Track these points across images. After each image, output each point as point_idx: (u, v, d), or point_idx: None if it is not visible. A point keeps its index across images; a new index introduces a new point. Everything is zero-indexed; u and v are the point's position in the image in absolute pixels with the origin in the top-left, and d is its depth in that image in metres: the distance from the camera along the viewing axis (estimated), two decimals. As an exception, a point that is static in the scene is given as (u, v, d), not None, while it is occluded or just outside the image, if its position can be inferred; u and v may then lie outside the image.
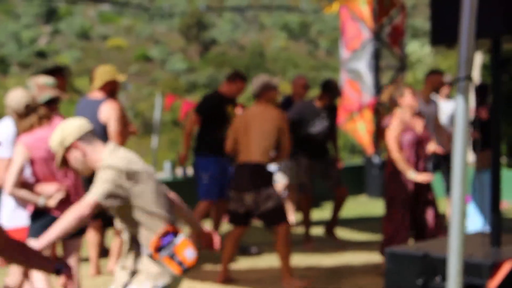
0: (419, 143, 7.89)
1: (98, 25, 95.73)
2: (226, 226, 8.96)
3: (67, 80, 7.51)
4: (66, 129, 4.33)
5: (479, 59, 16.78)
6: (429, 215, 7.94)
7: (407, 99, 7.82)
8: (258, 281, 7.83)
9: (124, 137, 7.65)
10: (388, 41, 14.64)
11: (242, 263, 8.70)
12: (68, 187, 5.54)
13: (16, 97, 5.49)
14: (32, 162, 5.44)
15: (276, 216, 7.48)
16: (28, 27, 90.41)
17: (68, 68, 8.08)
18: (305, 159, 9.56)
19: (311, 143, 9.52)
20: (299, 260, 8.78)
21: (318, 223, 10.70)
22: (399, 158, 7.66)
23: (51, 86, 5.71)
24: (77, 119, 4.48)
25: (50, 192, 5.44)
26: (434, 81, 9.59)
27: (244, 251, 9.16)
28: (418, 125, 7.91)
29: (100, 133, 7.30)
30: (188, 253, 4.19)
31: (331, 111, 9.65)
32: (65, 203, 5.47)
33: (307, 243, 9.63)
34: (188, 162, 9.84)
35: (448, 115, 10.25)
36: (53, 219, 5.41)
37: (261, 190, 7.42)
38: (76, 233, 5.61)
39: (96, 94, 7.74)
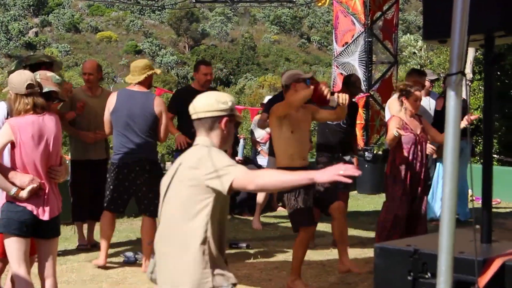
0: (417, 143, 8.06)
1: (88, 17, 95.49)
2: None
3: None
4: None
5: (471, 54, 16.80)
6: (422, 210, 8.12)
7: (410, 104, 8.01)
8: (247, 276, 7.81)
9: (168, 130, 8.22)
10: (380, 35, 14.62)
11: (232, 258, 8.67)
12: (44, 181, 5.42)
13: (19, 76, 5.42)
14: (13, 146, 5.33)
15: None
16: (17, 18, 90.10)
17: (58, 61, 8.07)
18: (324, 158, 9.31)
19: (330, 142, 9.23)
20: (288, 255, 8.77)
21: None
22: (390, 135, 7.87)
23: (57, 82, 5.64)
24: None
25: (23, 183, 5.32)
26: (421, 82, 9.48)
27: (234, 245, 9.14)
28: (417, 127, 8.06)
29: (149, 123, 7.86)
30: None
31: (351, 108, 9.00)
32: (37, 198, 5.38)
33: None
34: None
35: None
36: (21, 212, 5.35)
37: None
38: (52, 235, 5.55)
39: (139, 87, 8.00)
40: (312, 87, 7.14)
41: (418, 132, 8.04)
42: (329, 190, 7.44)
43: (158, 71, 8.25)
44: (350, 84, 9.23)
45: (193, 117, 4.23)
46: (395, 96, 8.62)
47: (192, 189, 3.93)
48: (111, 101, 8.05)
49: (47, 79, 5.56)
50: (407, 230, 8.02)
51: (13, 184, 5.29)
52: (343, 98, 7.29)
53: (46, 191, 5.41)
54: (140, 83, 8.00)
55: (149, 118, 7.90)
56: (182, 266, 3.94)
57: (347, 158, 9.41)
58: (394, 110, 8.75)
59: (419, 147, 8.07)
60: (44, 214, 5.38)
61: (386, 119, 10.91)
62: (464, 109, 10.78)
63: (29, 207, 5.33)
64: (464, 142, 11.05)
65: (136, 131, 7.91)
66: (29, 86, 5.36)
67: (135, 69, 8.02)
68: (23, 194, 5.29)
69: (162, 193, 4.12)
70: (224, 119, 4.13)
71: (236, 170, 3.84)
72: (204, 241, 3.92)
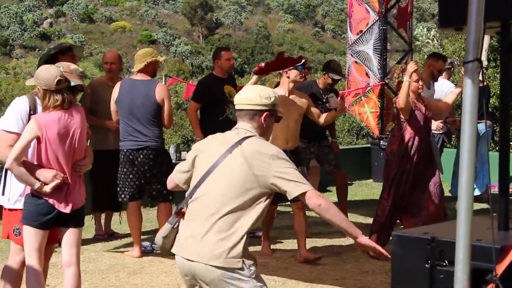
0: (427, 121, 8.15)
1: (102, 7, 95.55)
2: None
3: (76, 61, 7.57)
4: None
5: (486, 42, 16.72)
6: (429, 195, 8.05)
7: (412, 85, 7.96)
8: (264, 265, 7.84)
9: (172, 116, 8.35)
10: (394, 23, 14.57)
11: (248, 247, 8.69)
12: (67, 176, 5.46)
13: (48, 72, 5.41)
14: (38, 141, 5.36)
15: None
16: (31, 9, 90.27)
17: (80, 47, 8.16)
18: (301, 143, 9.39)
19: (310, 126, 9.21)
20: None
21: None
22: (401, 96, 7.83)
23: (80, 74, 5.65)
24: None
25: (46, 178, 5.36)
26: (436, 66, 9.46)
27: (250, 234, 9.15)
28: (421, 107, 8.11)
29: (151, 110, 7.99)
30: None
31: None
32: (60, 192, 5.42)
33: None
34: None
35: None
36: (42, 204, 5.39)
37: None
38: (75, 224, 5.58)
39: (142, 75, 8.12)
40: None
41: (425, 112, 8.09)
42: None
43: (161, 58, 8.31)
44: (330, 69, 9.46)
45: (236, 107, 4.39)
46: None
47: (256, 176, 4.16)
48: (115, 91, 8.21)
49: (71, 72, 5.54)
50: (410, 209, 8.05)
51: (37, 179, 5.34)
52: (342, 110, 8.24)
53: (70, 186, 5.45)
54: (141, 71, 8.10)
55: (151, 105, 8.00)
56: (223, 244, 4.18)
57: (325, 143, 9.71)
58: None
59: (425, 126, 8.12)
60: (66, 208, 5.42)
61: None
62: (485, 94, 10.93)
63: (51, 200, 5.38)
64: (485, 124, 11.15)
65: (139, 119, 8.00)
66: (59, 82, 5.36)
67: (136, 58, 8.18)
68: (47, 189, 5.34)
69: (204, 170, 4.27)
70: (265, 114, 4.31)
71: (308, 185, 4.17)
72: (251, 231, 4.29)
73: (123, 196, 8.20)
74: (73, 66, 5.66)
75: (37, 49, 76.06)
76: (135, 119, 8.00)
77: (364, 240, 4.06)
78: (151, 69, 8.18)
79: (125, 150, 8.12)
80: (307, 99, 8.20)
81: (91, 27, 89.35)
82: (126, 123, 8.08)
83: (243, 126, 4.31)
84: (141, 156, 8.03)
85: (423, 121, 8.05)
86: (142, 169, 8.05)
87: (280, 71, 7.99)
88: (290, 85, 7.95)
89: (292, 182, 4.12)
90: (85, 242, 8.94)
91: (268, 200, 4.23)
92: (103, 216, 9.30)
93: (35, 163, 5.39)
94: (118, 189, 8.20)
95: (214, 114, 8.87)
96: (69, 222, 5.52)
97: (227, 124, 8.12)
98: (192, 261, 4.17)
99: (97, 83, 9.26)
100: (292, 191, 4.12)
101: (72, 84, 5.49)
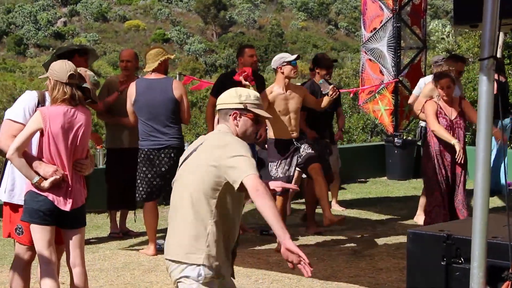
0: (452, 128, 8.18)
1: (115, 6, 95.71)
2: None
3: (88, 63, 7.61)
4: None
5: (500, 39, 16.66)
6: (460, 196, 8.20)
7: (441, 90, 8.20)
8: (278, 263, 7.84)
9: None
10: (408, 20, 14.52)
11: (262, 245, 8.71)
12: (67, 173, 5.46)
13: (63, 64, 5.46)
14: (42, 134, 5.38)
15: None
16: (45, 8, 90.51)
17: (92, 50, 8.20)
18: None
19: (312, 124, 9.27)
20: (317, 241, 8.80)
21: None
22: (439, 128, 8.09)
23: (93, 81, 5.68)
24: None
25: (46, 173, 5.35)
26: (455, 68, 9.43)
27: (264, 232, 9.16)
28: (452, 112, 8.13)
29: (170, 108, 8.05)
30: None
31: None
32: (59, 189, 5.42)
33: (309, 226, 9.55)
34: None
35: None
36: (42, 201, 5.39)
37: None
38: (76, 225, 5.58)
39: (156, 74, 8.19)
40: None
41: (453, 118, 8.11)
42: (307, 156, 8.40)
43: (172, 55, 8.46)
44: (320, 61, 9.47)
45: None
46: (428, 78, 8.93)
47: (211, 168, 4.06)
48: (131, 92, 8.20)
49: (85, 76, 5.60)
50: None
51: (37, 173, 5.35)
52: (335, 92, 8.32)
53: (70, 183, 5.45)
54: (155, 70, 8.16)
55: (169, 103, 8.06)
56: (185, 239, 4.09)
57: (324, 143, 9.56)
58: (426, 91, 9.20)
59: (451, 132, 8.13)
60: (66, 205, 5.42)
61: (411, 97, 10.92)
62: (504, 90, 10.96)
63: (50, 197, 5.37)
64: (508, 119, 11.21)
65: (159, 118, 8.02)
66: (71, 76, 5.40)
67: (149, 57, 8.23)
68: (45, 184, 5.34)
69: (178, 168, 4.31)
70: (233, 112, 4.25)
71: (253, 170, 3.95)
72: (212, 223, 4.07)
73: (140, 195, 8.19)
74: (89, 72, 5.71)
75: (51, 48, 76.18)
76: (155, 118, 8.02)
77: (289, 244, 3.82)
78: (164, 67, 8.26)
79: (146, 150, 8.10)
80: (302, 90, 8.63)
81: (105, 26, 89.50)
82: (145, 123, 8.09)
83: (220, 127, 4.29)
84: (162, 155, 8.03)
85: (447, 126, 8.13)
86: (162, 169, 8.04)
87: (275, 67, 8.37)
88: (286, 81, 8.31)
89: (238, 169, 3.98)
90: (101, 240, 8.98)
91: (228, 190, 4.07)
92: (118, 214, 9.31)
93: (40, 157, 5.41)
94: (136, 188, 8.20)
95: None
96: (70, 222, 5.52)
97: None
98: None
99: (113, 81, 9.27)
100: (237, 178, 3.96)
101: (80, 84, 5.52)
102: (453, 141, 8.01)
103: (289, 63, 8.24)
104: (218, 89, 8.95)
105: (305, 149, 8.42)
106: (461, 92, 9.70)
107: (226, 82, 8.85)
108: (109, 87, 9.01)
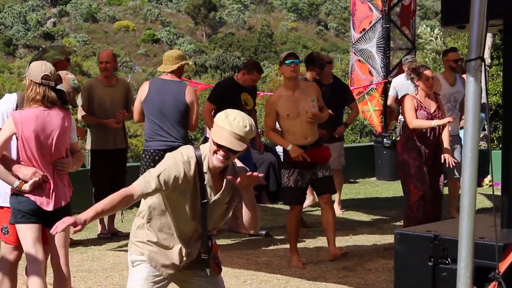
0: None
1: (105, 7, 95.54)
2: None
3: (69, 64, 7.63)
4: None
5: (489, 39, 16.70)
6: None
7: (423, 83, 8.07)
8: (267, 263, 7.84)
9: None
10: (398, 21, 14.55)
11: (252, 245, 8.71)
12: (47, 173, 5.46)
13: (40, 65, 5.47)
14: (17, 139, 5.39)
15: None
16: (35, 9, 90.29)
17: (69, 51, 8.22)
18: None
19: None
20: (307, 243, 8.80)
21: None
22: (418, 122, 7.97)
23: (73, 85, 5.68)
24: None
25: (25, 176, 5.36)
26: (450, 59, 9.59)
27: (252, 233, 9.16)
28: (431, 105, 8.08)
29: (181, 112, 8.06)
30: None
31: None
32: (41, 189, 5.42)
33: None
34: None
35: None
36: (24, 202, 5.39)
37: None
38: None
39: (172, 76, 8.19)
40: None
41: (432, 111, 8.07)
42: (325, 180, 7.86)
43: (190, 62, 8.54)
44: (314, 60, 9.47)
45: None
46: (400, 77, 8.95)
47: None
48: (144, 90, 8.25)
49: (64, 79, 5.61)
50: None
51: (17, 177, 5.36)
52: (311, 117, 7.74)
53: (51, 183, 5.45)
54: (173, 72, 8.18)
55: (181, 107, 8.09)
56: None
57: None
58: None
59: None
60: (48, 205, 5.42)
61: (389, 99, 11.03)
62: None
63: (32, 197, 5.38)
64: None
65: (168, 119, 8.07)
66: (45, 77, 5.41)
67: (168, 59, 8.20)
68: (26, 187, 5.35)
69: None
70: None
71: (143, 181, 4.22)
72: (147, 220, 4.41)
73: None
74: (70, 75, 5.71)
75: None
76: (164, 119, 8.06)
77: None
78: (181, 71, 8.33)
79: (151, 151, 8.14)
80: (313, 88, 7.96)
81: (95, 27, 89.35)
82: (154, 122, 8.11)
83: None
84: None
85: (426, 119, 8.05)
86: None
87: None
88: (290, 83, 7.81)
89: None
90: (89, 241, 8.96)
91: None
92: (106, 215, 9.29)
93: (18, 161, 5.41)
94: None
95: None
96: (54, 221, 5.50)
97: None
98: None
99: (93, 83, 9.30)
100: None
101: (58, 87, 5.52)
102: (433, 122, 7.92)
103: (283, 63, 7.80)
104: (218, 98, 8.94)
105: (323, 171, 7.81)
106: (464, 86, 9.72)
107: (228, 89, 8.86)
108: (89, 90, 9.01)
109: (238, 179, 4.20)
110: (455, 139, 9.37)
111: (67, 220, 3.97)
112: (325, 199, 7.93)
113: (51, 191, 5.44)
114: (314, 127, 7.86)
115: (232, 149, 4.14)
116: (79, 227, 3.99)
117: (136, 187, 4.17)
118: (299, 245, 8.14)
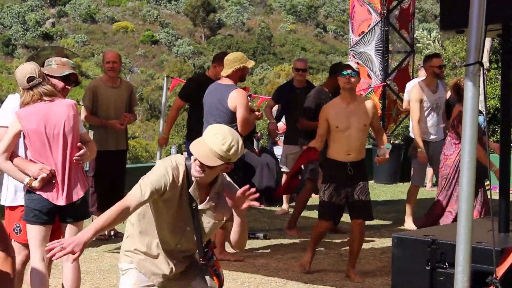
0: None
1: (104, 8, 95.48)
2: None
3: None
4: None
5: (488, 43, 16.73)
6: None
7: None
8: (264, 266, 7.84)
9: (250, 123, 8.06)
10: (396, 24, 14.56)
11: (249, 248, 8.70)
12: (58, 166, 5.49)
13: (21, 71, 5.53)
14: (24, 136, 5.44)
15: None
16: (34, 9, 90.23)
17: (70, 54, 8.17)
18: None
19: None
20: (303, 246, 8.80)
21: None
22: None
23: (72, 66, 5.76)
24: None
25: (33, 172, 5.41)
26: (434, 65, 9.48)
27: (251, 235, 9.15)
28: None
29: (223, 116, 7.83)
30: None
31: None
32: (52, 185, 5.46)
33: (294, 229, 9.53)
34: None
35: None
36: (37, 200, 5.43)
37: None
38: (74, 219, 5.62)
39: (227, 80, 8.02)
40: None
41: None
42: (361, 204, 7.50)
43: (250, 64, 8.14)
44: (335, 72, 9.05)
45: None
46: (414, 81, 8.94)
47: None
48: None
49: (63, 64, 5.73)
50: None
51: (26, 174, 5.39)
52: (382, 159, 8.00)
53: (62, 177, 5.47)
54: (228, 76, 8.01)
55: (223, 110, 7.91)
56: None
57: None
58: (415, 96, 9.34)
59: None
60: (60, 200, 5.45)
61: (404, 103, 11.04)
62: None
63: (45, 195, 5.44)
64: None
65: (211, 122, 8.00)
66: (30, 79, 5.49)
67: (226, 62, 8.05)
68: (35, 184, 5.40)
69: None
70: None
71: (137, 191, 4.19)
72: (136, 229, 4.46)
73: None
74: (64, 59, 5.78)
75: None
76: (211, 121, 8.02)
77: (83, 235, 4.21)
78: (239, 74, 8.06)
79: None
80: (370, 107, 7.58)
81: (93, 27, 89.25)
82: (203, 124, 8.17)
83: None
84: None
85: None
86: None
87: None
88: (345, 94, 7.45)
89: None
90: (87, 242, 8.94)
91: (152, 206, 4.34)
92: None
93: (29, 158, 5.45)
94: None
95: (200, 114, 8.63)
96: (67, 216, 5.55)
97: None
98: None
99: (98, 84, 9.25)
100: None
101: (65, 73, 5.62)
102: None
103: (340, 74, 7.44)
104: (188, 94, 8.93)
105: (359, 193, 7.48)
106: (446, 91, 9.68)
107: (199, 88, 8.72)
108: (93, 90, 8.99)
109: (232, 201, 4.25)
110: (440, 144, 9.14)
111: (66, 249, 4.04)
112: (356, 224, 7.54)
113: (63, 186, 5.46)
114: (361, 145, 7.64)
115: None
116: (77, 254, 4.06)
117: (132, 197, 4.17)
118: (298, 247, 8.14)
